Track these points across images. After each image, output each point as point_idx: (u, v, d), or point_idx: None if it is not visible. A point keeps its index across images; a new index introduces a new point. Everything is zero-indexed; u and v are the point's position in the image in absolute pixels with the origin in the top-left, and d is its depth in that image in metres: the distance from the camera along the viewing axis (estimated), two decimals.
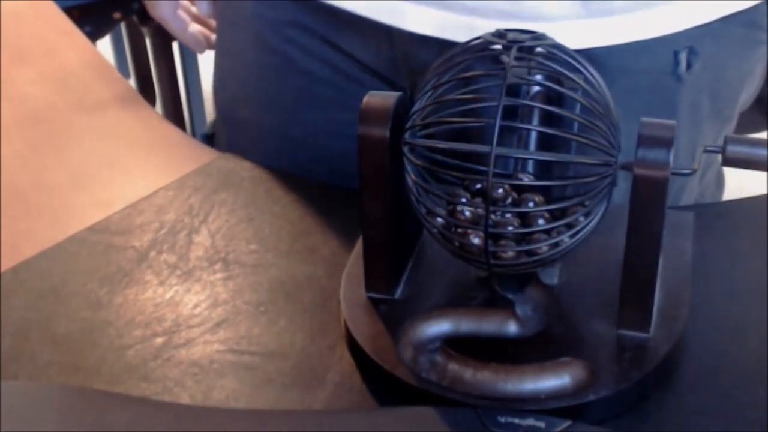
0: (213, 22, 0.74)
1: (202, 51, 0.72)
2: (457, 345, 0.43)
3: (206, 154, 0.63)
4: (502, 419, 0.40)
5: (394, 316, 0.45)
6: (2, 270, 0.52)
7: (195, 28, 0.72)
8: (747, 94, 0.65)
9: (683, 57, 0.58)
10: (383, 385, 0.43)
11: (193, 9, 0.74)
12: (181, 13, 0.72)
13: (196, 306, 0.49)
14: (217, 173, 0.60)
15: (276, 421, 0.42)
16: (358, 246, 0.48)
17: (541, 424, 0.39)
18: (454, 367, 0.42)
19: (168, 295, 0.50)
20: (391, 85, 0.63)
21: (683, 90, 0.59)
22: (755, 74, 0.65)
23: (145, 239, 0.54)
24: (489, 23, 0.56)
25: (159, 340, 0.47)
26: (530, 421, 0.39)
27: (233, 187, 0.59)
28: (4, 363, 0.45)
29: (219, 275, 0.51)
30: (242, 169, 0.61)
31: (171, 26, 0.71)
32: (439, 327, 0.44)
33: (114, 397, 0.43)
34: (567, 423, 0.39)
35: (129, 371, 0.45)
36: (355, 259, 0.48)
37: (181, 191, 0.58)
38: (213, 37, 0.73)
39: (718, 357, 0.45)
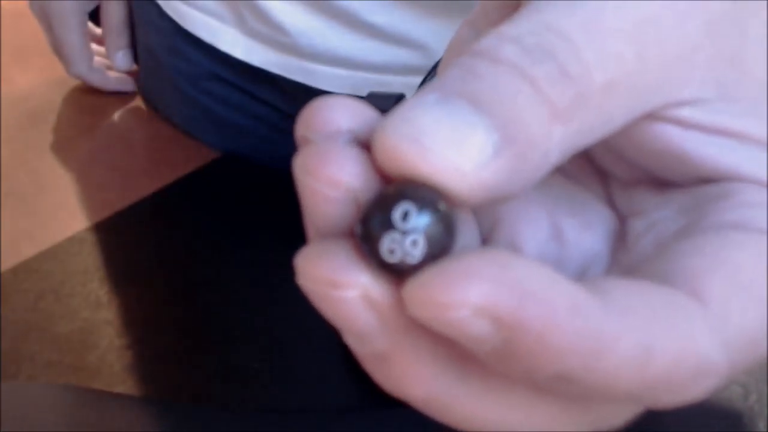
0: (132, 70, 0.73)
1: (130, 89, 0.72)
2: None
3: (206, 155, 0.63)
4: None
5: None
6: (2, 270, 0.52)
7: (114, 73, 0.72)
8: None
9: None
10: None
11: (108, 62, 0.73)
12: (97, 62, 0.71)
13: (196, 305, 0.49)
14: (216, 173, 0.60)
15: (276, 421, 0.42)
16: None
17: None
18: None
19: (168, 295, 0.50)
20: None
21: None
22: None
23: (145, 239, 0.54)
24: (401, 79, 0.57)
25: (159, 340, 0.47)
26: None
27: (233, 187, 0.59)
28: (4, 363, 0.45)
29: (218, 275, 0.51)
30: (242, 169, 0.61)
31: (90, 80, 0.71)
32: None
33: (114, 397, 0.43)
34: None
35: (129, 371, 0.45)
36: None
37: (182, 191, 0.58)
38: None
39: None
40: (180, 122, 0.67)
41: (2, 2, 0.84)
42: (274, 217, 0.56)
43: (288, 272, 0.55)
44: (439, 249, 0.17)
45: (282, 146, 0.65)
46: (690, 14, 0.20)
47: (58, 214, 0.57)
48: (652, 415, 0.43)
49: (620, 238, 0.23)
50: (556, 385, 0.18)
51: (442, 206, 0.17)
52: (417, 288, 0.17)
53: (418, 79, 0.44)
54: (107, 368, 0.45)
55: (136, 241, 0.55)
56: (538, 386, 0.18)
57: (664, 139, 0.21)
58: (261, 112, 0.64)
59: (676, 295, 0.19)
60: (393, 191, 0.17)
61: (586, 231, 0.23)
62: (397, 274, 0.17)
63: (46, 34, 0.70)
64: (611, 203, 0.23)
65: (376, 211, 0.17)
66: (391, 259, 0.17)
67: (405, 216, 0.17)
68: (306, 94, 0.60)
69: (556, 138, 0.18)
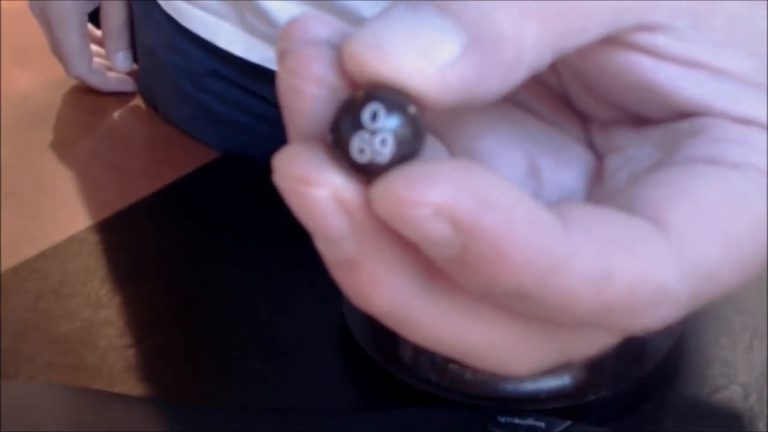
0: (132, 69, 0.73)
1: (130, 89, 0.72)
2: None
3: (206, 155, 0.63)
4: (502, 419, 0.40)
5: None
6: (2, 270, 0.52)
7: (113, 74, 0.72)
8: None
9: None
10: (383, 385, 0.43)
11: (107, 63, 0.73)
12: (96, 63, 0.71)
13: (196, 305, 0.49)
14: (216, 173, 0.60)
15: (275, 421, 0.42)
16: None
17: (541, 424, 0.39)
18: (454, 367, 0.42)
19: (168, 295, 0.50)
20: None
21: None
22: None
23: (145, 239, 0.54)
24: None
25: (159, 340, 0.47)
26: (530, 421, 0.39)
27: (233, 187, 0.59)
28: (4, 363, 0.45)
29: (218, 275, 0.51)
30: (242, 169, 0.61)
31: (90, 81, 0.71)
32: None
33: (114, 397, 0.43)
34: (567, 423, 0.39)
35: (129, 371, 0.45)
36: None
37: (182, 191, 0.58)
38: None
39: (718, 357, 0.45)
40: (179, 121, 0.67)
41: (2, 2, 0.84)
42: (274, 217, 0.56)
43: (288, 272, 0.55)
44: (408, 151, 0.18)
45: (281, 143, 0.65)
46: None
47: (58, 214, 0.57)
48: (653, 415, 0.43)
49: (597, 177, 0.23)
50: (513, 301, 0.18)
51: (411, 109, 0.18)
52: (383, 186, 0.17)
53: None
54: (107, 368, 0.45)
55: (136, 241, 0.55)
56: (498, 303, 0.19)
57: (638, 71, 0.21)
58: (260, 109, 0.64)
59: (638, 222, 0.19)
60: (362, 94, 0.18)
61: (563, 169, 0.23)
62: (367, 174, 0.18)
63: (45, 35, 0.70)
64: (590, 145, 0.24)
65: (345, 113, 0.18)
66: (361, 159, 0.17)
67: (374, 116, 0.17)
68: None
69: (530, 37, 0.18)
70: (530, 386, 0.41)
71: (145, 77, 0.70)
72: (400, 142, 0.17)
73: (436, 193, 0.17)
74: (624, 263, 0.18)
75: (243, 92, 0.64)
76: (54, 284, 0.51)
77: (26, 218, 0.57)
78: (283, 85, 0.19)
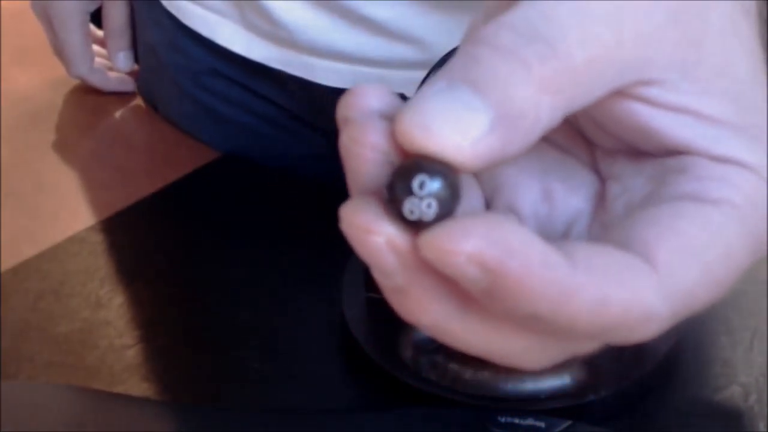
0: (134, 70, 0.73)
1: (131, 89, 0.72)
2: None
3: (206, 155, 0.63)
4: (502, 419, 0.40)
5: (394, 316, 0.45)
6: (2, 270, 0.52)
7: (114, 73, 0.72)
8: None
9: None
10: (383, 385, 0.43)
11: (108, 63, 0.73)
12: (98, 63, 0.71)
13: (196, 305, 0.49)
14: (216, 173, 0.60)
15: (276, 421, 0.42)
16: None
17: (541, 424, 0.39)
18: (454, 367, 0.42)
19: (168, 295, 0.50)
20: (316, 129, 0.63)
21: None
22: None
23: (145, 239, 0.54)
24: (400, 74, 0.57)
25: (159, 340, 0.47)
26: (530, 421, 0.39)
27: (233, 187, 0.59)
28: (4, 363, 0.45)
29: (218, 275, 0.51)
30: (242, 169, 0.61)
31: (91, 81, 0.71)
32: None
33: (114, 397, 0.43)
34: (567, 423, 0.39)
35: (129, 371, 0.45)
36: (355, 259, 0.48)
37: (182, 191, 0.59)
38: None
39: (718, 357, 0.45)
40: (180, 121, 0.67)
41: (2, 2, 0.84)
42: (274, 217, 0.56)
43: (288, 272, 0.55)
44: (447, 209, 0.22)
45: (281, 143, 0.65)
46: (659, 4, 0.24)
47: (58, 214, 0.57)
48: (653, 415, 0.43)
49: (601, 198, 0.28)
50: (530, 322, 0.23)
51: (449, 176, 0.22)
52: (429, 239, 0.22)
53: (418, 74, 0.44)
54: (107, 368, 0.45)
55: (136, 241, 0.55)
56: (518, 322, 0.23)
57: (635, 116, 0.25)
58: (261, 108, 0.64)
59: (630, 258, 0.24)
60: (412, 165, 0.22)
61: (573, 193, 0.28)
62: (415, 227, 0.23)
63: (47, 34, 0.70)
64: (596, 168, 0.28)
65: (399, 180, 0.22)
66: (411, 217, 0.22)
67: (421, 185, 0.22)
68: (305, 90, 0.60)
69: (545, 107, 0.23)
70: (530, 386, 0.41)
71: (145, 77, 0.70)
72: (441, 204, 0.22)
73: (468, 245, 0.22)
74: (618, 293, 0.23)
75: (244, 91, 0.64)
76: (54, 284, 0.51)
77: (26, 218, 0.57)
78: (344, 148, 0.24)
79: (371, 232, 0.23)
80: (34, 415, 0.41)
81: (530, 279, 0.22)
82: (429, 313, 0.24)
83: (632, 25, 0.24)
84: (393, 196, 0.22)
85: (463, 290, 0.23)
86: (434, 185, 0.22)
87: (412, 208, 0.22)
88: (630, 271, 0.23)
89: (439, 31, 0.55)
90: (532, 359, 0.25)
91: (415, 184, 0.22)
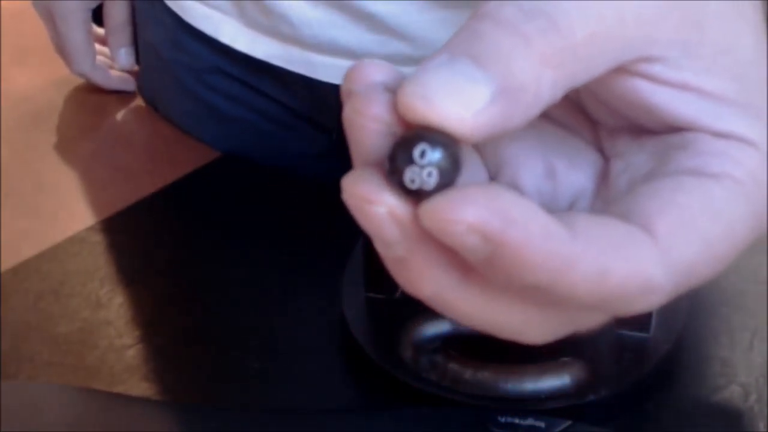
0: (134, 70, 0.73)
1: (132, 88, 0.72)
2: (457, 345, 0.43)
3: (206, 155, 0.63)
4: (502, 419, 0.40)
5: (394, 316, 0.45)
6: (2, 270, 0.52)
7: (116, 72, 0.72)
8: None
9: None
10: (383, 385, 0.43)
11: (109, 62, 0.73)
12: (100, 60, 0.71)
13: (196, 305, 0.49)
14: (216, 173, 0.60)
15: (276, 421, 0.42)
16: (358, 246, 0.48)
17: (541, 424, 0.39)
18: (454, 367, 0.42)
19: (168, 295, 0.50)
20: (318, 127, 0.63)
21: None
22: None
23: (145, 239, 0.54)
24: (401, 70, 0.57)
25: (159, 340, 0.47)
26: (530, 421, 0.39)
27: (233, 187, 0.59)
28: (4, 363, 0.45)
29: (218, 275, 0.51)
30: (242, 169, 0.61)
31: (93, 78, 0.71)
32: (439, 327, 0.44)
33: (114, 397, 0.43)
34: (567, 423, 0.39)
35: (129, 371, 0.45)
36: (355, 259, 0.48)
37: (182, 191, 0.59)
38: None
39: (718, 357, 0.45)
40: (180, 120, 0.67)
41: (2, 2, 0.84)
42: (274, 217, 0.56)
43: (288, 272, 0.55)
44: (448, 179, 0.22)
45: (283, 141, 0.65)
46: None
47: (58, 214, 0.57)
48: (653, 415, 0.43)
49: (604, 176, 0.28)
50: (530, 292, 0.23)
51: (451, 147, 0.22)
52: (430, 208, 0.22)
53: None
54: (107, 368, 0.45)
55: (136, 241, 0.55)
56: (518, 293, 0.24)
57: (637, 92, 0.26)
58: (263, 106, 0.64)
59: (631, 230, 0.24)
60: (413, 135, 0.22)
61: (576, 170, 0.28)
62: (416, 197, 0.22)
63: (49, 32, 0.70)
64: (599, 147, 0.29)
65: (400, 150, 0.22)
66: (412, 186, 0.22)
67: (422, 154, 0.22)
68: (307, 87, 0.60)
69: (546, 81, 0.23)
70: (530, 386, 0.41)
71: (146, 76, 0.70)
72: (442, 174, 0.22)
73: (469, 214, 0.22)
74: (619, 263, 0.23)
75: (246, 89, 0.64)
76: (54, 284, 0.51)
77: (26, 218, 0.57)
78: (348, 119, 0.24)
79: (372, 202, 0.23)
80: (34, 415, 0.42)
81: (530, 249, 0.22)
82: (429, 283, 0.24)
83: (634, 5, 0.24)
84: (394, 165, 0.22)
85: (463, 260, 0.23)
86: (435, 155, 0.22)
87: (413, 177, 0.22)
88: (630, 241, 0.24)
89: (440, 28, 0.55)
90: (532, 332, 0.25)
91: (417, 153, 0.22)
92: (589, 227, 0.23)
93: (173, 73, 0.66)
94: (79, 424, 0.41)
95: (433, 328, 0.44)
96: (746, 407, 0.42)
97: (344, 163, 0.25)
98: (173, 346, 0.47)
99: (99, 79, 0.70)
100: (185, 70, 0.65)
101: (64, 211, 0.58)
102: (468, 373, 0.42)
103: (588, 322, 0.26)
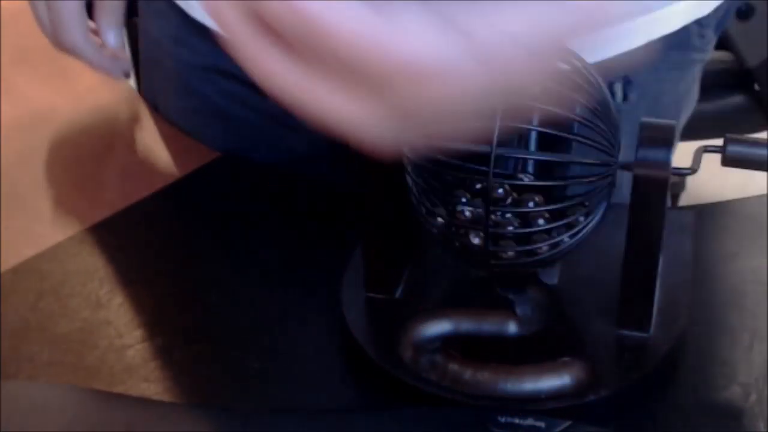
0: (124, 54, 0.71)
1: (120, 73, 0.69)
2: (457, 345, 0.43)
3: (206, 155, 0.63)
4: (502, 419, 0.40)
5: (394, 316, 0.45)
6: (2, 270, 0.52)
7: (108, 51, 0.69)
8: (686, 114, 0.65)
9: (618, 88, 0.57)
10: (383, 385, 0.43)
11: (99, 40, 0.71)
12: (92, 37, 0.69)
13: (196, 305, 0.49)
14: (216, 173, 0.60)
15: (276, 421, 0.42)
16: (358, 246, 0.48)
17: (541, 424, 0.39)
18: (454, 367, 0.42)
19: (168, 295, 0.50)
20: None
21: (621, 121, 0.59)
22: (691, 93, 0.64)
23: (145, 239, 0.54)
24: None
25: (159, 340, 0.47)
26: (530, 421, 0.39)
27: (233, 187, 0.59)
28: (4, 363, 0.45)
29: (218, 275, 0.51)
30: (242, 169, 0.61)
31: (83, 52, 0.65)
32: (439, 327, 0.44)
33: (114, 397, 0.43)
34: (567, 423, 0.39)
35: (129, 371, 0.45)
36: (355, 259, 0.48)
37: (182, 191, 0.58)
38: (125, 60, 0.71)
39: (718, 357, 0.45)
40: (181, 118, 0.66)
41: (2, 2, 0.84)
42: (274, 217, 0.56)
43: (288, 272, 0.55)
44: None
45: (284, 141, 0.65)
46: None
47: (58, 214, 0.57)
48: (652, 414, 0.43)
49: None
50: (351, 75, 0.28)
51: None
52: None
53: None
54: (107, 368, 0.45)
55: (136, 242, 0.55)
56: (342, 78, 0.29)
57: None
58: (263, 104, 0.64)
59: (430, 16, 0.28)
60: None
61: None
62: None
63: (40, 8, 0.68)
64: None
65: None
66: None
67: None
68: None
69: None
70: (530, 386, 0.41)
71: (147, 75, 0.70)
72: None
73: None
74: (410, 42, 0.27)
75: (248, 87, 0.63)
76: (54, 284, 0.51)
77: (26, 218, 0.57)
78: None
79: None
80: (34, 415, 0.42)
81: (332, 23, 0.27)
82: (271, 67, 0.30)
83: None
84: None
85: (294, 49, 0.29)
86: None
87: None
88: (428, 25, 0.27)
89: None
90: (369, 124, 0.29)
91: None
92: (396, 11, 0.27)
93: (175, 68, 0.66)
94: (80, 424, 0.41)
95: (433, 328, 0.44)
96: (746, 407, 0.42)
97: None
98: (173, 346, 0.47)
99: (90, 53, 0.67)
100: (187, 66, 0.65)
101: (64, 211, 0.58)
102: (468, 373, 0.42)
103: (425, 124, 0.30)
